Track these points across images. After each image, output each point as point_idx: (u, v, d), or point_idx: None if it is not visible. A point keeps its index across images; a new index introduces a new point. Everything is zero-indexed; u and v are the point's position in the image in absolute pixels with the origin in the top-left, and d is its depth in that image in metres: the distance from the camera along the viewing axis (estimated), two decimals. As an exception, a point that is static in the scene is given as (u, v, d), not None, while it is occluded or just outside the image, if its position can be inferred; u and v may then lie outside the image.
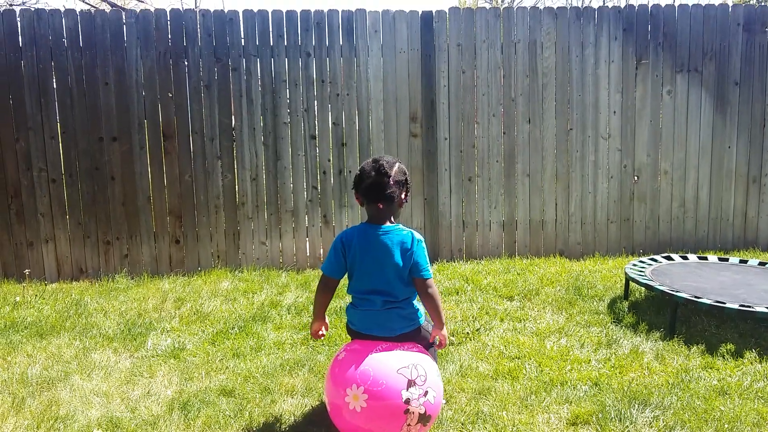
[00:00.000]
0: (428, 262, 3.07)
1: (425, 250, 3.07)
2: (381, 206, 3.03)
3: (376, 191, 3.01)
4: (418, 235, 3.07)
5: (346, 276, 3.15)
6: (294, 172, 6.21)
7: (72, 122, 5.91)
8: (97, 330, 4.58)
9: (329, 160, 6.25)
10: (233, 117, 6.13)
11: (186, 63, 6.00)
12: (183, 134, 6.04)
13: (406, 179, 3.10)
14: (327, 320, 3.27)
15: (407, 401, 2.72)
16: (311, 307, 4.94)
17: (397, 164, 3.07)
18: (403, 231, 3.06)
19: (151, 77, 5.96)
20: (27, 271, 5.89)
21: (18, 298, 5.29)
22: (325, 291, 3.17)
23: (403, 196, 3.10)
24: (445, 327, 3.11)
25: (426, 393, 2.77)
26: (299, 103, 6.16)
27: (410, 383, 2.74)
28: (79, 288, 5.69)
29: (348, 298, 3.34)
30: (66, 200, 5.98)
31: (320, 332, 3.25)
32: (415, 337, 3.09)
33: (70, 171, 5.95)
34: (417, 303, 3.16)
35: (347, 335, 4.35)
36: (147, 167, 6.04)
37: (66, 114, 5.91)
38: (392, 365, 2.78)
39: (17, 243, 5.95)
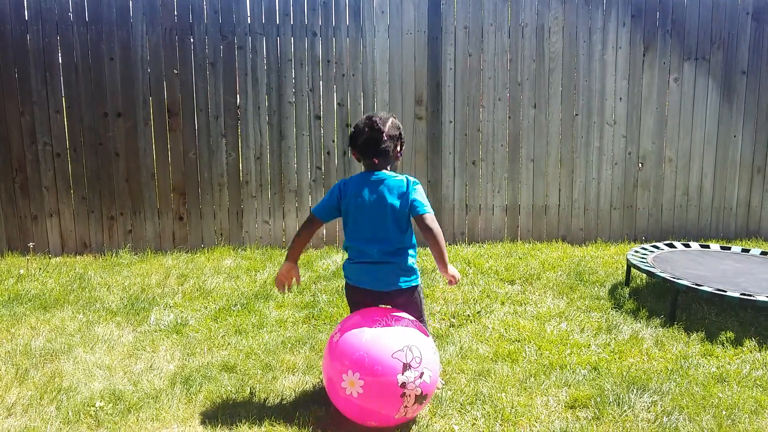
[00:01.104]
0: (427, 201, 3.15)
1: (422, 191, 3.17)
2: (377, 161, 3.12)
3: (371, 146, 3.09)
4: (413, 179, 3.15)
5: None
6: (298, 152, 6.21)
7: (77, 97, 5.91)
8: (101, 304, 4.61)
9: (333, 141, 6.25)
10: (238, 95, 6.12)
11: (192, 40, 5.98)
12: (187, 111, 6.03)
13: (399, 133, 3.18)
14: (298, 271, 3.25)
15: (403, 385, 2.74)
16: (313, 287, 4.98)
17: (390, 119, 3.15)
18: (397, 177, 3.13)
19: (157, 53, 5.95)
20: (31, 244, 5.92)
21: (22, 271, 5.32)
22: (308, 230, 3.21)
23: (398, 149, 3.18)
24: (450, 265, 3.13)
25: (422, 374, 2.79)
26: (304, 83, 6.14)
27: (405, 367, 2.76)
28: (82, 262, 5.72)
29: (344, 255, 3.36)
30: (70, 175, 5.99)
31: (287, 282, 3.21)
32: (410, 296, 3.15)
33: (74, 146, 5.96)
34: (415, 264, 3.19)
35: (346, 311, 4.40)
36: (151, 144, 6.04)
37: (71, 89, 5.90)
38: (387, 349, 2.79)
39: (21, 216, 5.97)
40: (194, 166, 6.10)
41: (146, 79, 5.97)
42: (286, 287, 3.23)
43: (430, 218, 3.08)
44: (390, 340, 2.83)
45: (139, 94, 5.96)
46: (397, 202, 3.06)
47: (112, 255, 5.90)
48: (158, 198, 6.11)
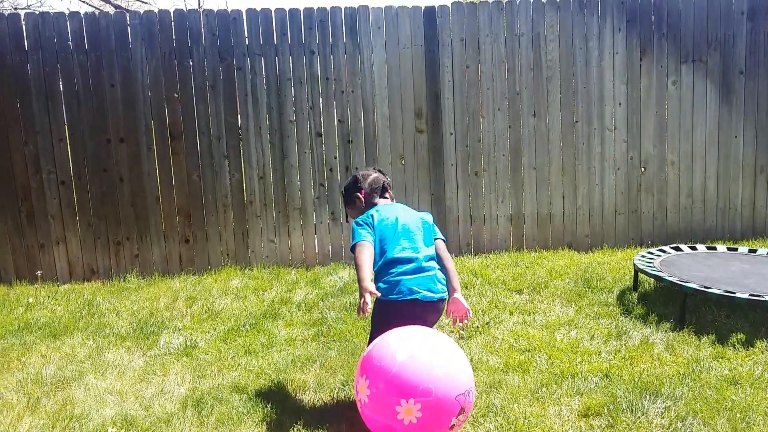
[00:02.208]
0: None
1: None
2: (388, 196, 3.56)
3: (385, 186, 3.55)
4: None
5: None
6: (301, 170, 6.24)
7: (79, 124, 5.95)
8: (110, 329, 4.62)
9: (336, 158, 6.27)
10: (239, 116, 6.16)
11: (191, 63, 6.03)
12: (190, 134, 6.07)
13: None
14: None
15: (452, 426, 2.74)
16: (321, 303, 4.98)
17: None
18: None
19: (157, 78, 5.99)
20: (39, 272, 5.94)
21: (31, 300, 5.34)
22: (368, 251, 3.17)
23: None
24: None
25: (466, 415, 2.82)
26: (304, 101, 6.18)
27: (461, 411, 2.74)
28: (90, 288, 5.73)
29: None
30: (75, 202, 6.02)
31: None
32: (442, 307, 3.26)
33: (78, 173, 5.99)
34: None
35: (355, 327, 4.40)
36: (155, 168, 6.07)
37: (73, 116, 5.95)
38: (454, 390, 2.72)
39: (28, 245, 6.00)
40: (198, 188, 6.13)
41: (147, 104, 6.01)
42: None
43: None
44: (458, 380, 2.75)
45: (141, 119, 6.00)
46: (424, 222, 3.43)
47: (119, 280, 5.92)
48: (164, 221, 6.13)
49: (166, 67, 5.99)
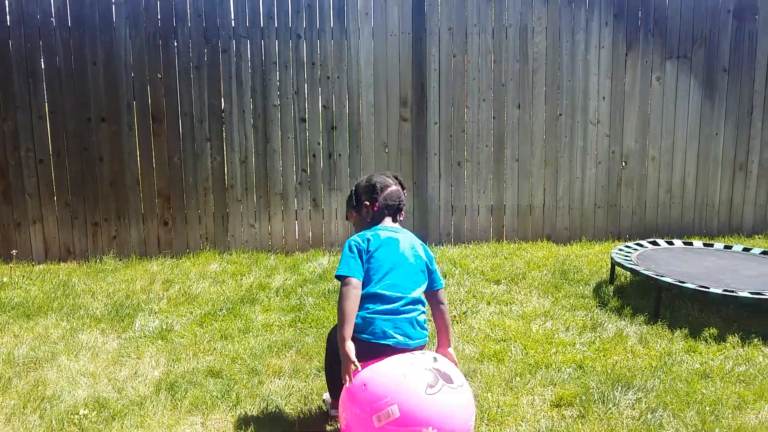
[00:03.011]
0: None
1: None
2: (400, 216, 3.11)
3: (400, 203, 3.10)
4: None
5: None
6: (283, 155, 6.21)
7: (60, 102, 5.87)
8: (85, 311, 4.58)
9: (319, 144, 6.25)
10: (222, 99, 6.11)
11: (176, 44, 5.96)
12: (172, 116, 6.01)
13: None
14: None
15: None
16: (299, 290, 4.97)
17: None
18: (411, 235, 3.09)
19: (140, 58, 5.92)
20: (14, 251, 5.87)
21: (5, 279, 5.28)
22: (354, 299, 2.77)
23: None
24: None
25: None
26: (289, 85, 6.14)
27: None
28: (66, 269, 5.68)
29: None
30: (54, 181, 5.95)
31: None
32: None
33: (58, 151, 5.92)
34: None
35: (333, 314, 4.39)
36: (135, 148, 6.01)
37: (54, 94, 5.87)
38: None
39: (4, 224, 5.92)
40: (179, 170, 6.08)
41: (130, 84, 5.94)
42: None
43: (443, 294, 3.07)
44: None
45: (123, 99, 5.93)
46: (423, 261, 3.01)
47: (96, 261, 5.86)
48: (143, 203, 6.08)
49: (150, 47, 5.91)
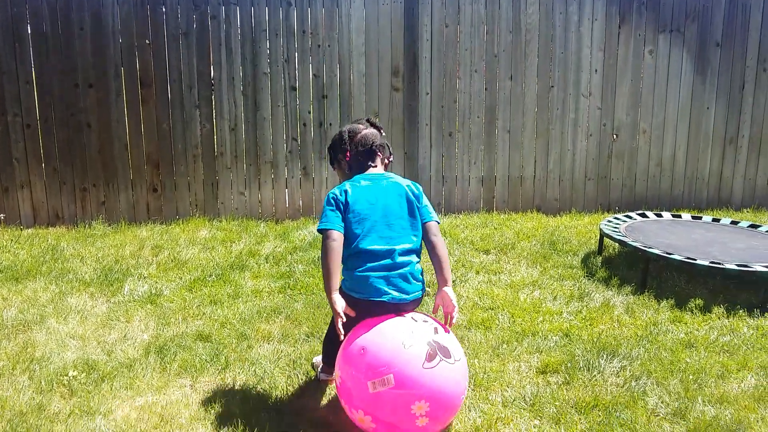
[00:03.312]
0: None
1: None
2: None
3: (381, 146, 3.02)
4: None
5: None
6: (273, 123, 6.16)
7: (47, 68, 5.79)
8: (74, 275, 4.57)
9: (309, 113, 6.21)
10: (212, 66, 6.04)
11: (164, 9, 5.87)
12: (160, 82, 5.94)
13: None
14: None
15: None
16: (289, 257, 4.98)
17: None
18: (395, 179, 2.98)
19: (128, 23, 5.83)
20: (2, 215, 5.83)
21: (-7, 244, 5.26)
22: (337, 252, 2.75)
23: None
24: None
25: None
26: (279, 53, 6.07)
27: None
28: (55, 234, 5.65)
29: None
30: (41, 146, 5.89)
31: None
32: (415, 308, 2.84)
33: (45, 117, 5.85)
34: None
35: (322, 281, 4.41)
36: (124, 115, 5.95)
37: (41, 59, 5.78)
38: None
39: (-8, 188, 5.88)
40: (168, 137, 6.03)
41: (118, 50, 5.86)
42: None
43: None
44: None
45: (111, 65, 5.86)
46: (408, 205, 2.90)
47: (85, 226, 5.84)
48: (132, 169, 6.03)
49: (138, 12, 5.82)
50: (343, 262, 2.79)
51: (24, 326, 3.71)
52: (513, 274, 4.68)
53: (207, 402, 2.96)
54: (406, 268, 2.77)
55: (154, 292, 4.26)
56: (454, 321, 2.79)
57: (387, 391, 2.50)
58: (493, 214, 6.38)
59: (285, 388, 3.09)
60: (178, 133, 6.03)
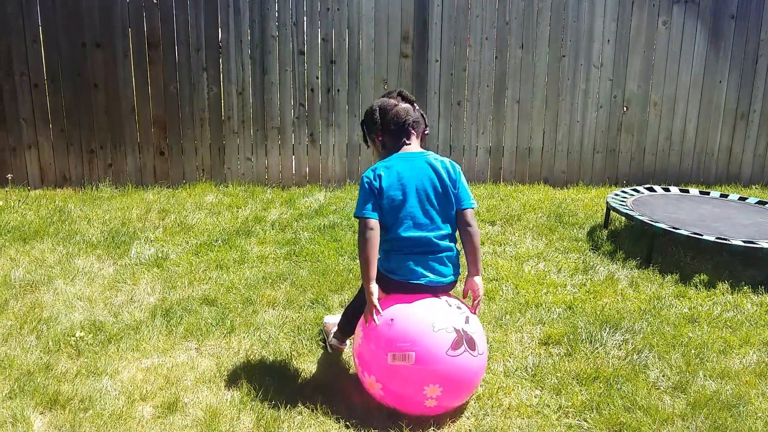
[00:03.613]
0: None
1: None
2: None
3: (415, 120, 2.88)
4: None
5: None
6: (281, 88, 6.12)
7: (54, 26, 5.74)
8: (81, 237, 4.59)
9: (317, 78, 6.15)
10: (219, 28, 5.97)
11: (172, -32, 5.80)
12: (168, 44, 5.89)
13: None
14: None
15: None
16: (295, 224, 4.99)
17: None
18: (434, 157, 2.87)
19: (136, -18, 5.77)
20: (10, 176, 5.84)
21: (1, 203, 5.27)
22: (375, 241, 2.69)
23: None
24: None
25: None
26: (288, 16, 6.00)
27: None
28: (62, 195, 5.67)
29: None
30: (48, 106, 5.87)
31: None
32: (450, 290, 2.85)
33: (52, 76, 5.82)
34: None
35: (327, 248, 4.43)
36: (131, 76, 5.91)
37: (48, 17, 5.73)
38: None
39: (-1, 148, 5.89)
40: (175, 100, 6.00)
41: (125, 9, 5.79)
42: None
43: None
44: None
45: (118, 25, 5.80)
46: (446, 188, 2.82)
47: (92, 188, 5.85)
48: (139, 132, 6.02)
49: (145, -29, 5.75)
50: (380, 244, 2.74)
51: (32, 287, 3.75)
52: (518, 246, 4.69)
53: (212, 365, 3.00)
54: (442, 253, 2.76)
55: (160, 255, 4.28)
56: (478, 310, 2.82)
57: (405, 366, 2.53)
58: (500, 185, 6.36)
59: (289, 353, 3.12)
60: (185, 96, 6.00)
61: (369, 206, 2.70)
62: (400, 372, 2.55)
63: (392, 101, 2.85)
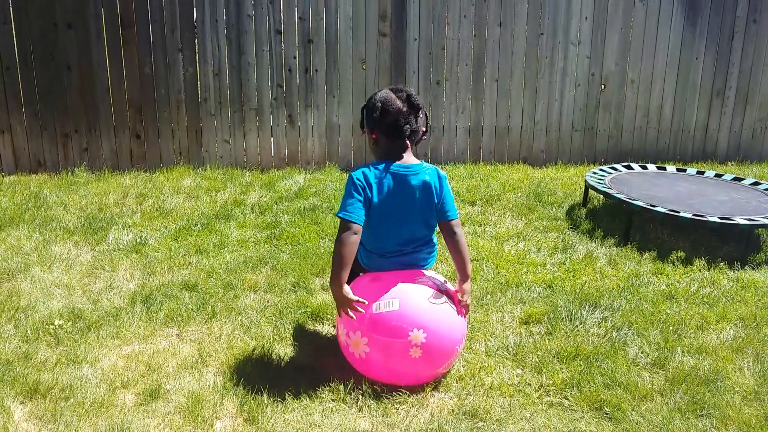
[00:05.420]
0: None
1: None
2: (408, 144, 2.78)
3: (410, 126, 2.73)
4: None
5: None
6: (258, 69, 6.04)
7: (25, 7, 5.60)
8: (57, 223, 4.53)
9: (295, 58, 6.09)
10: (194, 8, 5.87)
11: (144, -53, 5.67)
12: (142, 23, 5.78)
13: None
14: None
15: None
16: (274, 207, 4.96)
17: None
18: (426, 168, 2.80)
19: (108, -39, 5.64)
20: (-18, 162, 5.74)
21: (-27, 190, 5.18)
22: (353, 246, 2.63)
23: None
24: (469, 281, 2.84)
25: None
26: (264, -5, 5.92)
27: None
28: (37, 181, 5.58)
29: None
30: (21, 89, 5.74)
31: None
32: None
33: (24, 58, 5.69)
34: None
35: (308, 231, 4.41)
36: (105, 57, 5.80)
37: (17, -2, 5.60)
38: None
39: (-30, 133, 5.76)
40: (150, 81, 5.90)
41: (97, -11, 5.68)
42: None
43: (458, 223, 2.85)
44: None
45: (90, 4, 5.67)
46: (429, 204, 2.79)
47: (67, 173, 5.76)
48: (114, 114, 5.92)
49: (117, -51, 5.63)
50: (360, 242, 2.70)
51: (8, 274, 3.70)
52: (498, 226, 4.71)
53: (194, 351, 2.99)
54: (419, 254, 2.87)
55: (139, 241, 4.24)
56: (467, 312, 2.85)
57: (389, 313, 2.62)
58: (479, 165, 6.37)
59: (271, 337, 3.11)
60: (160, 77, 5.90)
61: (356, 209, 2.63)
62: (384, 319, 2.62)
63: (397, 103, 2.68)
